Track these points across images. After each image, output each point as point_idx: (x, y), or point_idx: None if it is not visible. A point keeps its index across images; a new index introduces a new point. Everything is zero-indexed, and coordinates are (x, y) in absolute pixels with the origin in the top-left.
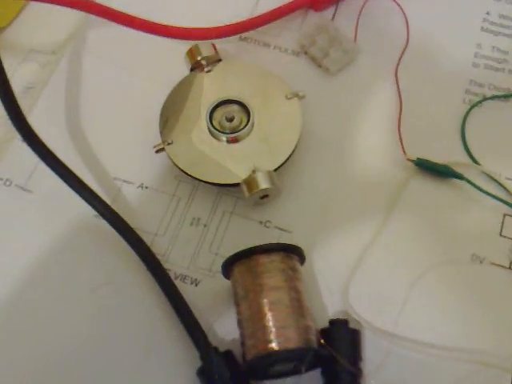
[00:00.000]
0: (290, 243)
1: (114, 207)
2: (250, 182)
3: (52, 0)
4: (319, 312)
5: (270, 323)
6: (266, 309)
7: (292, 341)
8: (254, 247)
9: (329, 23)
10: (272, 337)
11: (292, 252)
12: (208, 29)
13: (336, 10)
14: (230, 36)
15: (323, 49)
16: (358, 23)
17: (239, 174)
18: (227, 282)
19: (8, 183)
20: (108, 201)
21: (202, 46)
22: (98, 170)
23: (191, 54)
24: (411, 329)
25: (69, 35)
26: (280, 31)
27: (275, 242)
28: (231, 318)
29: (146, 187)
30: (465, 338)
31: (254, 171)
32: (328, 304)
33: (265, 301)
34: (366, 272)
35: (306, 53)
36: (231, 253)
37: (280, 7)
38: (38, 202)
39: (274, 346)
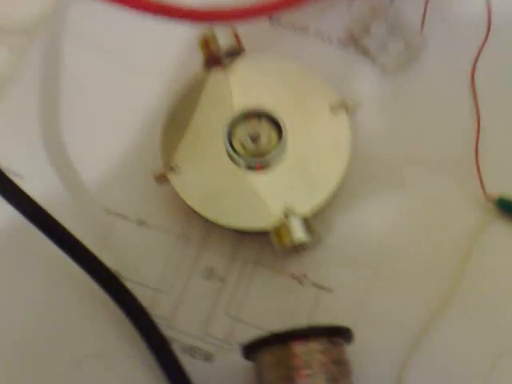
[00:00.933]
0: (335, 325)
1: (105, 250)
2: (281, 232)
3: None
4: None
5: None
6: None
7: None
8: (287, 332)
9: (387, 6)
10: None
11: (339, 336)
12: (229, 9)
13: None
14: (257, 18)
15: (380, 40)
16: (426, 8)
17: (266, 217)
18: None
19: None
20: (96, 240)
21: (220, 32)
22: (82, 199)
23: (205, 43)
24: None
25: (45, 10)
26: (322, 12)
27: (312, 304)
28: None
29: (146, 224)
30: None
31: (286, 215)
32: None
33: None
34: (428, 353)
35: (356, 44)
36: (254, 317)
37: None
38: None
39: None
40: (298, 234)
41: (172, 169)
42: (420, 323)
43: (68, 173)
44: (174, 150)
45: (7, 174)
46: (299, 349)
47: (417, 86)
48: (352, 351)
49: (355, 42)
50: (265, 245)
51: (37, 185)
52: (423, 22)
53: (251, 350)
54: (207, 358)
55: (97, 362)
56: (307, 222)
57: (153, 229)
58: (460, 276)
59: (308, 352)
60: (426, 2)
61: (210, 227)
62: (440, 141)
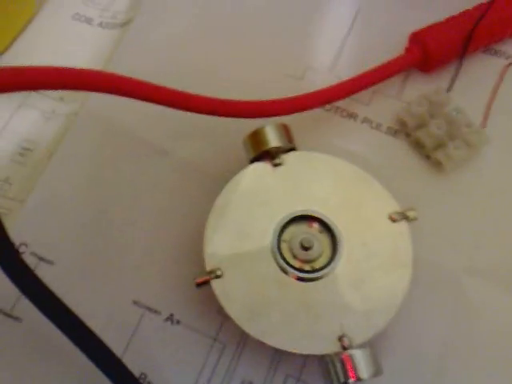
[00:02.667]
0: None
1: (131, 348)
2: (340, 364)
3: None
4: None
5: None
6: None
7: None
8: None
9: (443, 95)
10: None
11: None
12: (285, 100)
13: (457, 74)
14: (314, 108)
15: (436, 136)
16: (493, 99)
17: (319, 341)
18: None
19: None
20: (123, 340)
21: (272, 129)
22: (111, 290)
23: (254, 140)
24: None
25: None
26: (371, 97)
27: None
28: None
29: (178, 322)
30: None
31: (342, 342)
32: None
33: None
34: None
35: (407, 135)
36: None
37: (385, 65)
38: (27, 334)
39: None
40: (362, 370)
41: (214, 273)
42: None
43: (99, 264)
44: (219, 253)
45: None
46: None
47: (477, 185)
48: None
49: (406, 132)
50: (309, 358)
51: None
52: (487, 115)
53: None
54: None
55: None
56: (372, 357)
57: (185, 328)
58: None
59: None
60: (493, 96)
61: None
62: (505, 248)
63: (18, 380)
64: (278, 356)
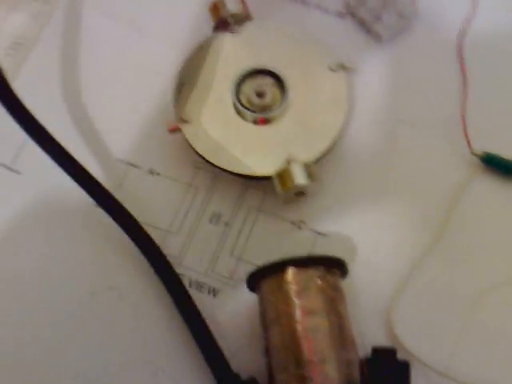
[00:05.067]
0: (332, 255)
1: (118, 196)
2: (284, 176)
3: None
4: (358, 338)
5: (306, 356)
6: (302, 337)
7: (332, 379)
8: (288, 259)
9: None
10: (308, 373)
11: (334, 266)
12: None
13: None
14: None
15: (374, 10)
16: None
17: (270, 164)
18: (252, 294)
19: None
20: (110, 188)
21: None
22: (98, 150)
23: (215, 9)
24: (468, 366)
25: None
26: None
27: (309, 247)
28: (256, 340)
29: (158, 173)
30: None
31: (288, 162)
32: (368, 329)
33: (300, 328)
34: (415, 293)
35: (352, 14)
36: (257, 258)
37: None
38: (26, 186)
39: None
40: (300, 178)
41: (184, 121)
42: (408, 266)
43: (88, 127)
44: (186, 105)
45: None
46: (299, 275)
47: (408, 53)
48: (345, 286)
49: (351, 12)
50: (267, 194)
51: (57, 132)
52: None
53: (256, 277)
54: (213, 292)
55: (112, 294)
56: (308, 169)
57: (164, 178)
58: (446, 224)
59: (306, 278)
60: None
61: (217, 177)
62: (430, 102)
63: None
64: (243, 193)
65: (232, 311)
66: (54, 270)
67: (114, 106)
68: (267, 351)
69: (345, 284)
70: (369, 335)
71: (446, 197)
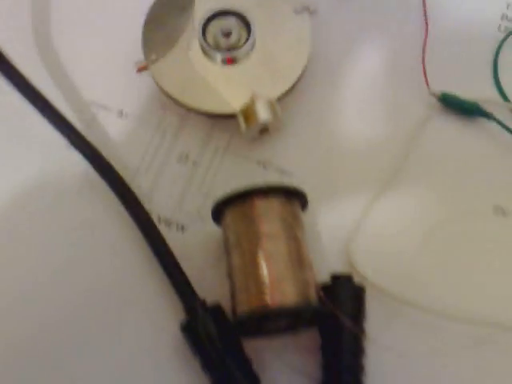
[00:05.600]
0: (292, 185)
1: (88, 137)
2: (248, 113)
3: None
4: (319, 267)
5: (265, 275)
6: (261, 259)
7: (289, 296)
8: (251, 188)
9: None
10: (266, 291)
11: (294, 196)
12: None
13: None
14: None
15: None
16: None
17: (235, 102)
18: (218, 230)
19: None
20: (80, 129)
21: None
22: (69, 91)
23: None
24: (423, 291)
25: None
26: None
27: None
28: (221, 270)
29: (127, 115)
30: (483, 299)
31: (252, 100)
32: (329, 259)
33: (260, 250)
34: (373, 224)
35: None
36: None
37: None
38: None
39: (268, 301)
40: (263, 115)
41: (152, 61)
42: (367, 200)
43: (58, 69)
44: (155, 44)
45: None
46: (260, 202)
47: None
48: (306, 221)
49: None
50: (234, 134)
51: (28, 74)
52: None
53: (221, 206)
54: (181, 228)
55: (84, 230)
56: (272, 106)
57: (133, 119)
58: (404, 160)
59: (268, 205)
60: None
61: (185, 118)
62: (390, 43)
63: None
64: (210, 133)
65: (199, 245)
66: (25, 208)
67: (84, 49)
68: (230, 274)
69: (306, 219)
70: (329, 267)
71: (405, 135)
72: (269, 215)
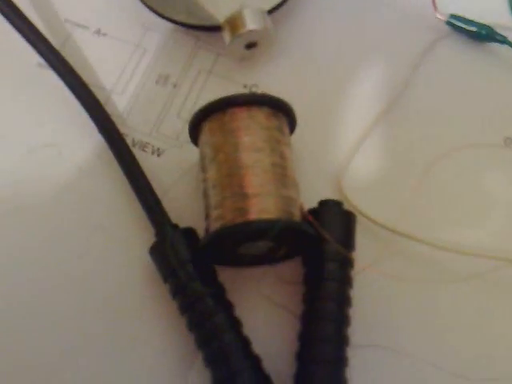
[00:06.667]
0: (278, 97)
1: (63, 55)
2: (235, 22)
3: None
4: (307, 198)
5: (243, 189)
6: (239, 169)
7: (268, 211)
8: (231, 97)
9: None
10: (243, 205)
11: (281, 110)
12: None
13: None
14: None
15: None
16: None
17: (222, 12)
18: (197, 154)
19: None
20: (56, 47)
21: None
22: (43, 8)
23: None
24: (415, 225)
25: None
26: None
27: None
28: (199, 197)
29: (104, 34)
30: (483, 233)
31: (240, 9)
32: (318, 191)
33: (238, 161)
34: (368, 154)
35: None
36: None
37: None
38: None
39: (245, 216)
40: (251, 24)
41: None
42: (365, 128)
43: None
44: None
45: None
46: (241, 113)
47: None
48: (297, 149)
49: None
50: (220, 55)
51: None
52: None
53: (198, 119)
54: (157, 152)
55: (52, 150)
56: (261, 15)
57: (111, 38)
58: (407, 86)
59: (250, 116)
60: None
61: (167, 37)
62: None
63: None
64: (193, 54)
65: (176, 170)
66: None
67: None
68: (205, 192)
69: (295, 145)
70: (318, 198)
71: (411, 57)
72: (251, 127)
